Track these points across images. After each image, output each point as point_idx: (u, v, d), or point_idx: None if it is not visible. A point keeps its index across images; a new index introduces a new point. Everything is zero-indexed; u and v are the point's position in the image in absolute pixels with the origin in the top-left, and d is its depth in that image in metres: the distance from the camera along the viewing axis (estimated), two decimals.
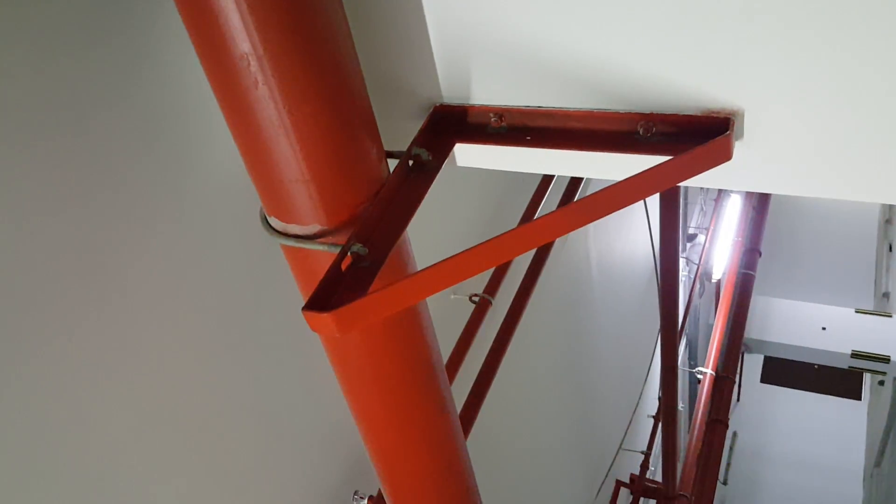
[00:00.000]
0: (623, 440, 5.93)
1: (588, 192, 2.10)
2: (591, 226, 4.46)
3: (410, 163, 1.00)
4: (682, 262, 7.43)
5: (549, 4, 0.85)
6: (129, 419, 1.27)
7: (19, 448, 1.09)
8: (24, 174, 1.04)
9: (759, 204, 6.72)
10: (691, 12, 0.79)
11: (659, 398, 5.41)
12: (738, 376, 6.94)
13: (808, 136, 0.83)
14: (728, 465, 9.71)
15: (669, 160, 0.82)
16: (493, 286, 2.73)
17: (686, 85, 0.85)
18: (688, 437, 5.47)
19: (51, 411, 1.13)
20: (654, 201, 4.11)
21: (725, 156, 0.83)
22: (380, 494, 1.99)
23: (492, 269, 2.76)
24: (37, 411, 1.11)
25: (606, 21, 0.83)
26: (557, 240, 3.45)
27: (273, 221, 1.02)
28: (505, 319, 2.82)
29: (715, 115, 0.85)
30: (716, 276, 7.17)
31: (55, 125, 1.07)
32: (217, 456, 1.51)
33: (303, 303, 0.90)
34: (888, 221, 10.57)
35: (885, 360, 7.26)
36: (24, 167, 1.04)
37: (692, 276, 7.79)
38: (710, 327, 6.47)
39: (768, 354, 8.66)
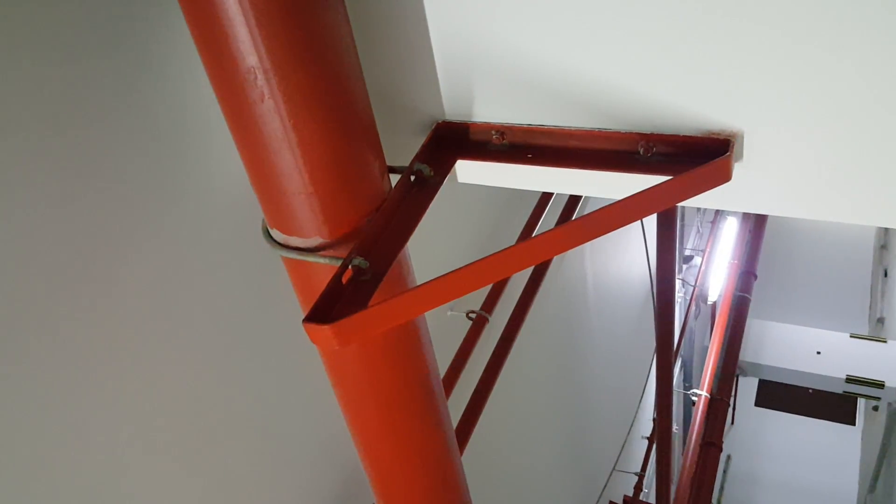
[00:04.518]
0: (617, 461, 5.90)
1: (586, 211, 2.11)
2: (588, 245, 4.47)
3: (412, 178, 1.01)
4: (678, 283, 7.43)
5: (552, 26, 0.86)
6: (125, 429, 1.27)
7: (17, 452, 1.09)
8: (24, 180, 1.04)
9: (756, 227, 6.75)
10: (692, 36, 0.80)
11: (653, 419, 5.40)
12: (732, 399, 6.93)
13: (807, 158, 0.85)
14: (721, 488, 9.67)
15: (669, 180, 0.83)
16: (490, 303, 2.73)
17: (686, 106, 0.86)
18: (682, 459, 5.46)
19: (49, 418, 1.13)
20: (651, 222, 4.13)
21: (725, 177, 0.84)
22: None
23: (489, 286, 2.76)
24: (35, 418, 1.11)
25: (607, 43, 0.85)
26: (555, 258, 3.46)
27: (275, 233, 1.02)
28: (501, 336, 2.81)
29: (715, 137, 0.86)
30: (711, 299, 7.18)
31: (59, 132, 1.08)
32: (212, 468, 1.51)
33: (303, 315, 0.90)
34: (883, 247, 10.61)
35: (880, 385, 7.26)
36: (25, 173, 1.04)
37: (688, 298, 7.80)
38: (705, 349, 6.47)
39: (763, 378, 8.66)
